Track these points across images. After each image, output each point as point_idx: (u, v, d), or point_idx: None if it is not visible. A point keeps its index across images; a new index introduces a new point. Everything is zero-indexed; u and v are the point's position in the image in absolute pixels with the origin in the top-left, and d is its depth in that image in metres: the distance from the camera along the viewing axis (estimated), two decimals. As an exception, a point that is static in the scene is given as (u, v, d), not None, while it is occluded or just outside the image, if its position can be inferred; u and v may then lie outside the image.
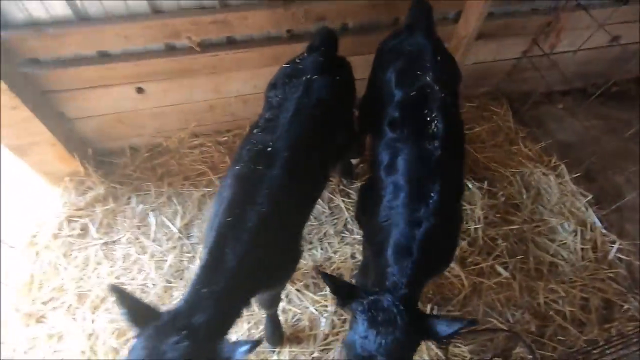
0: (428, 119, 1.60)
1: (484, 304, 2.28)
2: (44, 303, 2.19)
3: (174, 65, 2.27)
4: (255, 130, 1.63)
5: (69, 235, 2.40)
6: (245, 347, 1.10)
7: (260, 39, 2.37)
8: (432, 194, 1.44)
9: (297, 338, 2.12)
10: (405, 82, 1.74)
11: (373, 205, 1.61)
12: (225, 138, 2.86)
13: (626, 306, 2.32)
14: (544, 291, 2.33)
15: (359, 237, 2.48)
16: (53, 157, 2.37)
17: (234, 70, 2.42)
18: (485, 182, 2.74)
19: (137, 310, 1.17)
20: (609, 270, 2.45)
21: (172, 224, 2.49)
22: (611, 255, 2.50)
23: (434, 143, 1.53)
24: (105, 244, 2.40)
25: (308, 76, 1.71)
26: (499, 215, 2.61)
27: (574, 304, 2.30)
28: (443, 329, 1.26)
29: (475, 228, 2.52)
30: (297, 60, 1.85)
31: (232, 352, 1.11)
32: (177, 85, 2.39)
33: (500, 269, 2.39)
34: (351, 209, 2.60)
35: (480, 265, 2.39)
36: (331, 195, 2.67)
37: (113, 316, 2.14)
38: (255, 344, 1.11)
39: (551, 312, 2.27)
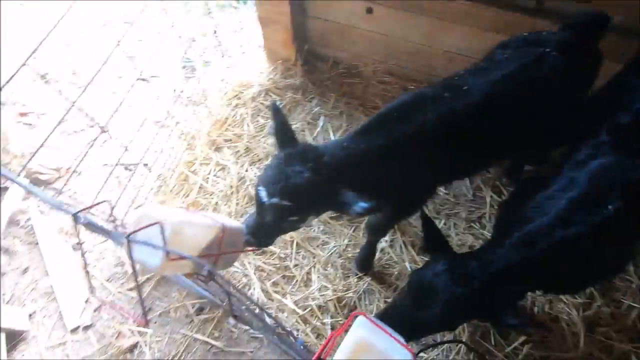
0: None
1: (590, 380, 1.92)
2: (225, 140, 2.80)
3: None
4: (462, 71, 1.63)
5: (261, 104, 2.94)
6: (365, 204, 1.21)
7: (505, 1, 2.26)
8: (608, 207, 1.25)
9: (380, 278, 2.22)
10: None
11: (530, 192, 1.49)
12: (412, 87, 2.93)
13: None
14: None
15: (487, 234, 2.33)
16: (281, 38, 2.86)
17: (458, 23, 2.40)
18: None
19: (283, 131, 1.42)
20: None
21: (334, 134, 2.79)
22: None
23: None
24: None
25: (547, 50, 1.58)
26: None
27: None
28: (508, 318, 1.22)
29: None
30: (543, 33, 1.71)
31: (353, 200, 1.23)
32: (401, 17, 2.52)
33: (637, 361, 1.94)
34: (495, 206, 2.43)
35: (613, 344, 1.98)
36: (481, 184, 2.53)
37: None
38: (374, 206, 1.21)
39: None
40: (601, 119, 1.60)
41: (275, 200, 1.29)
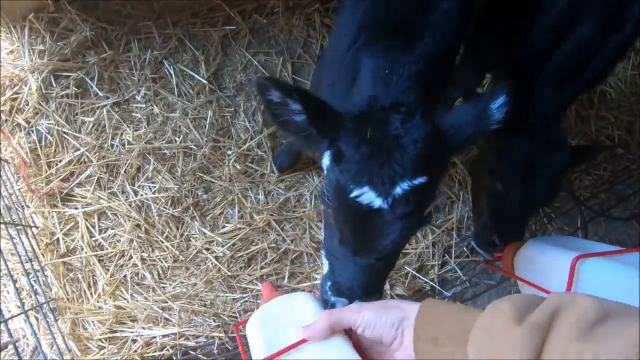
0: None
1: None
2: (64, 180, 1.76)
3: None
4: None
5: (64, 96, 1.82)
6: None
7: None
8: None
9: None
10: None
11: None
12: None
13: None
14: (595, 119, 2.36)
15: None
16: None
17: None
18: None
19: (320, 111, 0.85)
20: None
21: (196, 74, 1.98)
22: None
23: None
24: (117, 103, 1.88)
25: None
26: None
27: (620, 128, 2.38)
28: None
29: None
30: None
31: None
32: None
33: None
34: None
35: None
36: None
37: (159, 185, 1.80)
38: None
39: (602, 138, 2.34)
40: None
41: (420, 180, 0.78)
